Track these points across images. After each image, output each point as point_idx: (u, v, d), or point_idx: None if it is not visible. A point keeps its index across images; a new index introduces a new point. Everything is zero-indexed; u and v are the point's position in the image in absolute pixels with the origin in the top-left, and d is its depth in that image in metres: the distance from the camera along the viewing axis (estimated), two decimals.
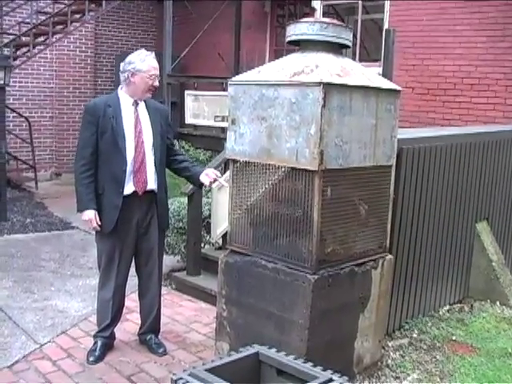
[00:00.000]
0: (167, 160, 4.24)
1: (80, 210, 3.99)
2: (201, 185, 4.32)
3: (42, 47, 10.34)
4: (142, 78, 3.98)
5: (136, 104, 4.07)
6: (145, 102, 4.13)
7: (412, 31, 8.66)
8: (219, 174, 4.15)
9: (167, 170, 4.29)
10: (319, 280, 3.40)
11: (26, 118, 11.06)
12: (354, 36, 9.51)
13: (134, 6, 13.38)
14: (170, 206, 4.65)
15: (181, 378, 2.44)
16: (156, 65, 4.04)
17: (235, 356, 2.71)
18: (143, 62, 3.99)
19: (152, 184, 4.08)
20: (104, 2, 9.97)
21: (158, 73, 4.04)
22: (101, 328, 4.22)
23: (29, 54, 9.98)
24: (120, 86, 4.10)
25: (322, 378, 2.47)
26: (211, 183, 4.21)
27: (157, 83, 4.03)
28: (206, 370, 2.48)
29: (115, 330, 4.30)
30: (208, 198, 6.10)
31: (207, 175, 4.14)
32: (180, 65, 11.39)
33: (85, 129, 4.03)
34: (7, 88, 8.81)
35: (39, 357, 4.19)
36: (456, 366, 4.25)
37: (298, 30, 3.68)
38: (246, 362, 2.70)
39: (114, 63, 12.79)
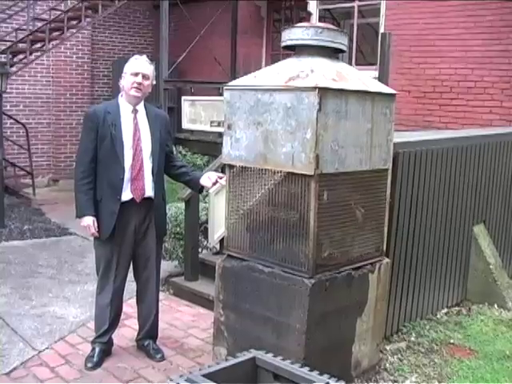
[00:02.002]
0: (166, 166, 4.25)
1: (79, 216, 4.01)
2: (201, 189, 4.34)
3: (38, 54, 10.34)
4: (125, 78, 4.04)
5: (135, 111, 4.08)
6: (145, 108, 4.14)
7: (408, 35, 8.69)
8: (221, 175, 4.14)
9: (165, 176, 4.29)
10: (316, 284, 3.40)
11: (23, 124, 11.05)
12: (350, 40, 9.53)
13: (131, 12, 13.41)
14: (167, 212, 4.65)
15: None
16: (139, 63, 4.05)
17: (232, 361, 2.70)
18: (128, 64, 4.06)
19: (149, 191, 4.08)
20: (100, 8, 9.98)
21: (142, 71, 4.01)
22: (99, 334, 4.21)
23: (26, 60, 9.99)
24: (120, 93, 4.12)
25: (319, 383, 2.47)
26: (213, 185, 4.22)
27: (139, 80, 3.99)
28: (202, 376, 2.48)
29: (113, 335, 4.30)
30: (205, 203, 6.10)
31: (209, 178, 4.15)
32: (177, 70, 11.41)
33: (85, 135, 4.05)
34: (4, 95, 8.81)
35: (37, 363, 4.18)
36: (454, 369, 4.25)
37: (293, 35, 3.70)
38: (243, 367, 2.70)
39: (110, 69, 12.82)
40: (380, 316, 4.05)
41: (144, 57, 4.13)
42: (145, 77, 4.03)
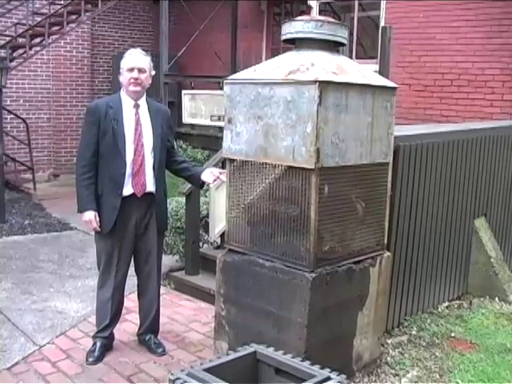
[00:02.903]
0: (167, 161, 4.24)
1: (80, 210, 4.00)
2: (201, 184, 4.33)
3: (38, 48, 10.32)
4: (123, 74, 4.05)
5: (137, 106, 4.08)
6: (147, 103, 4.13)
7: (408, 28, 8.67)
8: (222, 171, 4.13)
9: (166, 171, 4.29)
10: (317, 278, 3.40)
11: (23, 119, 11.04)
12: (351, 33, 9.51)
13: (130, 6, 13.39)
14: (168, 206, 4.65)
15: (178, 378, 2.44)
16: (134, 57, 4.04)
17: (233, 355, 2.71)
18: (124, 59, 4.06)
19: (151, 186, 4.08)
20: (100, 2, 9.96)
21: (137, 65, 4.00)
22: (100, 328, 4.21)
23: (25, 55, 9.97)
24: (122, 88, 4.12)
25: (320, 377, 2.47)
26: (214, 181, 4.22)
27: (136, 75, 3.98)
28: (203, 370, 2.48)
29: (114, 330, 4.30)
30: (206, 197, 6.10)
31: (211, 173, 4.15)
32: (177, 64, 11.40)
33: (86, 130, 4.05)
34: (4, 89, 8.79)
35: (38, 358, 4.18)
36: (455, 362, 4.25)
37: (293, 29, 3.68)
38: (244, 361, 2.70)
39: (110, 63, 12.80)
40: (381, 310, 4.05)
41: (138, 50, 4.12)
42: (141, 70, 4.02)
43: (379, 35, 7.76)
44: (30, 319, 4.84)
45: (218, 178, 4.14)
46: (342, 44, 3.80)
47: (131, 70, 3.99)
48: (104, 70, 13.03)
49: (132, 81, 3.99)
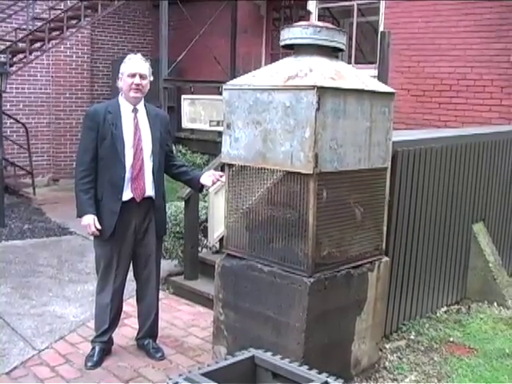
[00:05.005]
0: (166, 166, 4.25)
1: (80, 215, 4.01)
2: (201, 188, 4.34)
3: (38, 53, 10.36)
4: (123, 80, 4.05)
5: (136, 111, 4.09)
6: (145, 108, 4.15)
7: (407, 33, 8.69)
8: (221, 173, 4.13)
9: (165, 176, 4.30)
10: (315, 283, 3.41)
11: (23, 123, 11.06)
12: (350, 38, 9.53)
13: (130, 11, 13.42)
14: (167, 211, 4.66)
15: (177, 383, 2.44)
16: (135, 63, 4.04)
17: (231, 360, 2.71)
18: (124, 64, 4.06)
19: (150, 191, 4.09)
20: (100, 7, 9.99)
21: (139, 71, 4.01)
22: (99, 333, 4.22)
23: (25, 60, 10.01)
24: (120, 93, 4.13)
25: (318, 381, 2.47)
26: (213, 183, 4.22)
27: (138, 81, 4.00)
28: (201, 375, 2.48)
29: (113, 335, 4.31)
30: (205, 202, 6.10)
31: (209, 177, 4.15)
32: (176, 69, 11.42)
33: (85, 135, 4.05)
34: (4, 94, 8.81)
35: (37, 363, 4.19)
36: (453, 367, 4.25)
37: (291, 34, 3.70)
38: (242, 366, 2.70)
39: (110, 68, 12.82)
40: (379, 314, 4.05)
41: (138, 55, 4.13)
42: (142, 76, 4.03)
43: (378, 40, 7.78)
44: (29, 324, 4.84)
45: (217, 180, 4.14)
46: (341, 49, 3.81)
47: (133, 75, 4.00)
48: (104, 74, 13.05)
49: (134, 87, 4.00)
